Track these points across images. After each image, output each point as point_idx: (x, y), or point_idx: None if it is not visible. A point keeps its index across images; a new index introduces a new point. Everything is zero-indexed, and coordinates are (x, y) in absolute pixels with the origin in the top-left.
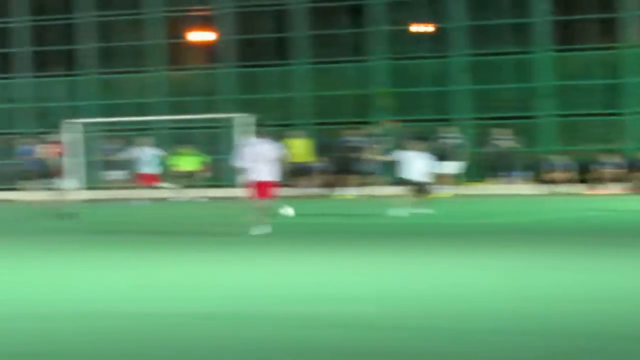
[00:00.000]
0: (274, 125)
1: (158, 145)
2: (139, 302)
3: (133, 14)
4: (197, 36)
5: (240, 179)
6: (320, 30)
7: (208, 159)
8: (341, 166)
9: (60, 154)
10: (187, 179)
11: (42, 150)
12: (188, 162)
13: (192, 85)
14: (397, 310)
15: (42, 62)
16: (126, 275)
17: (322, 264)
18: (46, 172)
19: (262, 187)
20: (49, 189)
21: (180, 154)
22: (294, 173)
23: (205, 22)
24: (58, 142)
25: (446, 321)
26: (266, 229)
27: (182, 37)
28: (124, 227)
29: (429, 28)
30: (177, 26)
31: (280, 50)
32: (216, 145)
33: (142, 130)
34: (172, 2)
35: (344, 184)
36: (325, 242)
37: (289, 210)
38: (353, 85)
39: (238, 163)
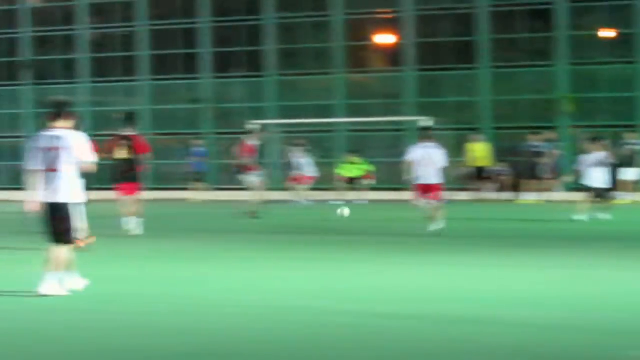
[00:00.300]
0: (454, 129)
1: (336, 148)
2: (365, 303)
3: (315, 16)
4: (379, 39)
5: (409, 180)
6: (503, 34)
7: (373, 167)
8: (523, 171)
9: (247, 154)
10: (350, 185)
11: (236, 150)
12: (353, 169)
13: (373, 88)
14: (604, 314)
15: (224, 63)
16: (336, 275)
17: (509, 267)
18: (235, 171)
19: (428, 189)
20: (237, 189)
21: (347, 162)
22: (475, 177)
23: (387, 25)
24: (246, 142)
25: None
26: (438, 226)
27: (364, 39)
28: (307, 226)
29: (613, 33)
30: (359, 29)
31: (462, 54)
32: (396, 148)
33: (322, 132)
34: (354, 4)
35: (525, 189)
36: (510, 246)
37: (345, 211)
38: (535, 90)
39: (405, 165)
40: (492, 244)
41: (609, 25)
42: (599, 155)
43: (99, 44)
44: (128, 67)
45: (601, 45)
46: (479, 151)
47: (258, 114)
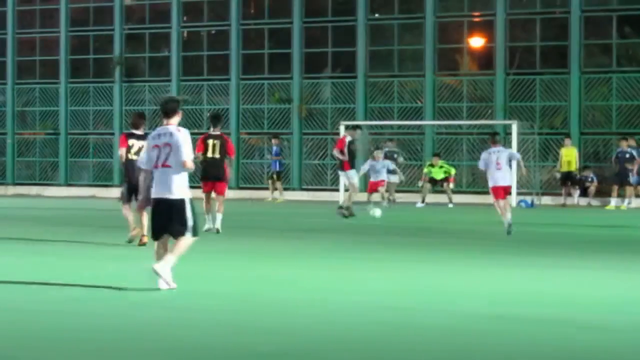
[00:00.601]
0: (543, 134)
1: (424, 150)
2: (460, 305)
3: (406, 18)
4: (470, 42)
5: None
6: (595, 39)
7: (454, 171)
8: (612, 176)
9: (339, 150)
10: (433, 187)
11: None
12: (436, 172)
13: (462, 90)
14: None
15: (314, 64)
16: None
17: (610, 271)
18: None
19: (500, 191)
20: (323, 189)
21: (431, 165)
22: (564, 182)
23: (478, 28)
24: (341, 139)
25: None
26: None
27: (455, 42)
28: (395, 227)
29: None
30: (449, 31)
31: (553, 58)
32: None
33: (411, 134)
34: (445, 7)
35: (617, 194)
36: (611, 252)
37: (377, 212)
38: (625, 95)
39: (481, 168)
40: (589, 249)
41: None
42: None
43: (189, 42)
44: (218, 66)
45: None
46: (570, 156)
47: (347, 115)
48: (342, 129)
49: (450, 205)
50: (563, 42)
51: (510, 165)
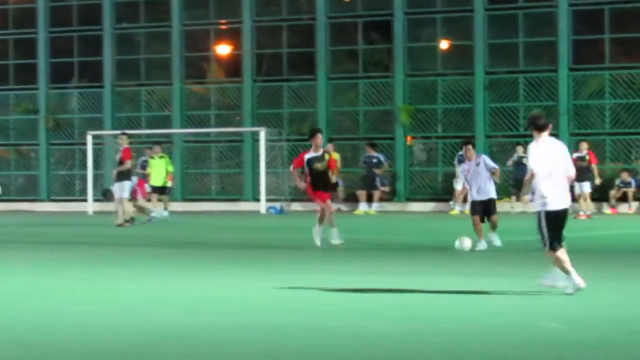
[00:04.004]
0: (293, 140)
1: (173, 158)
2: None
3: (153, 27)
4: (218, 50)
5: None
6: (341, 46)
7: (172, 168)
8: (362, 181)
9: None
10: (160, 193)
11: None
12: (155, 166)
13: (211, 98)
14: None
15: (61, 74)
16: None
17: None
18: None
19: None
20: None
21: (156, 156)
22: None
23: (225, 36)
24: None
25: None
26: None
27: (202, 50)
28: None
29: (448, 45)
30: (197, 39)
31: (301, 65)
32: (233, 159)
33: (160, 144)
34: (192, 15)
35: (362, 200)
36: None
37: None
38: (373, 101)
39: None
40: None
41: (446, 37)
42: None
43: None
44: None
45: (438, 57)
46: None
47: (95, 124)
48: (89, 138)
49: (165, 213)
50: (310, 48)
51: None
